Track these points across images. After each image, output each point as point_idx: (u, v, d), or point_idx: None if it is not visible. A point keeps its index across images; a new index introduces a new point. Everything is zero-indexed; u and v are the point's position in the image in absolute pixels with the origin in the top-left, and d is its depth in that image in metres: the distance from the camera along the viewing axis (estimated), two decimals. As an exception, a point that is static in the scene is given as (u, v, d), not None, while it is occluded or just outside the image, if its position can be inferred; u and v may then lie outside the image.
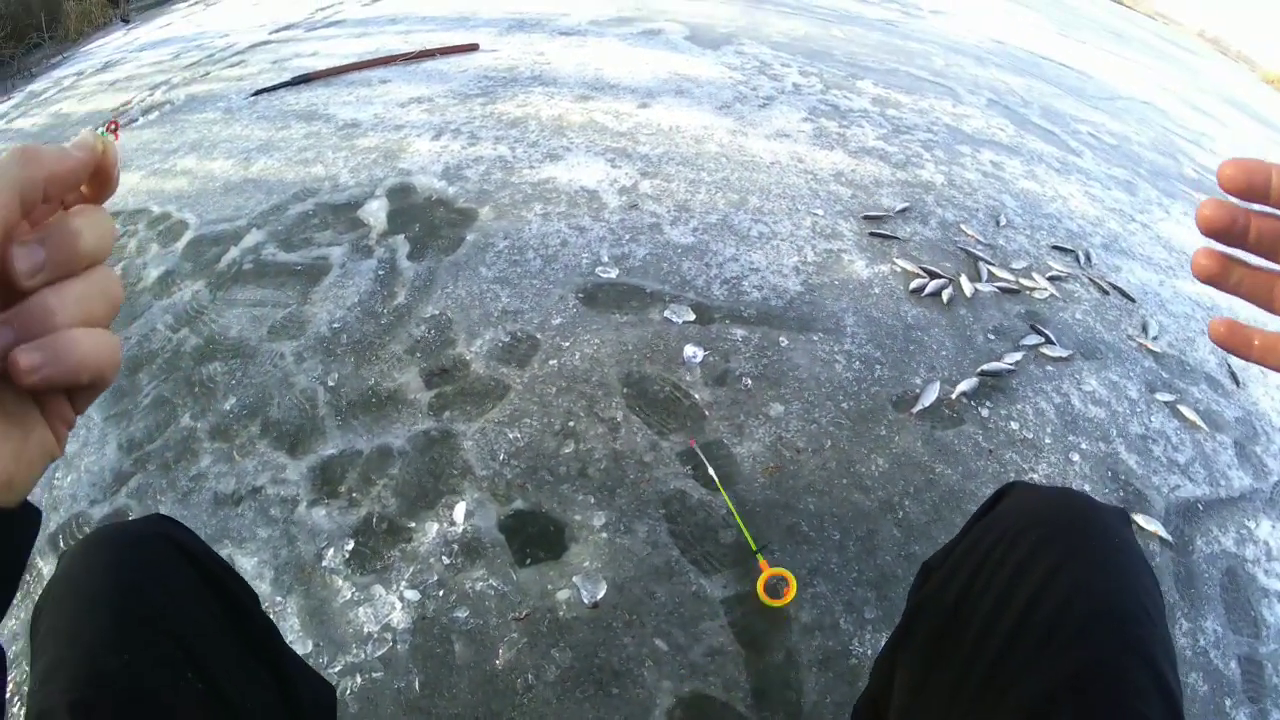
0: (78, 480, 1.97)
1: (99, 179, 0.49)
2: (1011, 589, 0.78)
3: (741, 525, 1.77)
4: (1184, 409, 2.33)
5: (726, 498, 1.82)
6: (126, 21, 6.47)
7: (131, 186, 3.10)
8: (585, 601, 1.64)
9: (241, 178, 3.02)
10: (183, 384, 2.15)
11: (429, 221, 2.65)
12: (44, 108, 4.46)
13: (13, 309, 0.43)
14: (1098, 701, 0.69)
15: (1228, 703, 1.72)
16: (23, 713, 0.94)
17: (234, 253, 2.59)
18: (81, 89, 4.62)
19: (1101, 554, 0.79)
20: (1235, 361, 2.63)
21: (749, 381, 2.12)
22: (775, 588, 1.67)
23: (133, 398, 2.15)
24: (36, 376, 0.42)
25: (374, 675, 1.54)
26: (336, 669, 1.54)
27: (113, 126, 0.51)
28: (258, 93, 3.74)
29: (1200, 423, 2.31)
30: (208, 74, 4.22)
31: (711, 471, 1.85)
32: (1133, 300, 2.75)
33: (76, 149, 0.45)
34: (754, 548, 1.74)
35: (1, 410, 0.44)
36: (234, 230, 2.70)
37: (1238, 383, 2.54)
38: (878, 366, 2.22)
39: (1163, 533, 1.96)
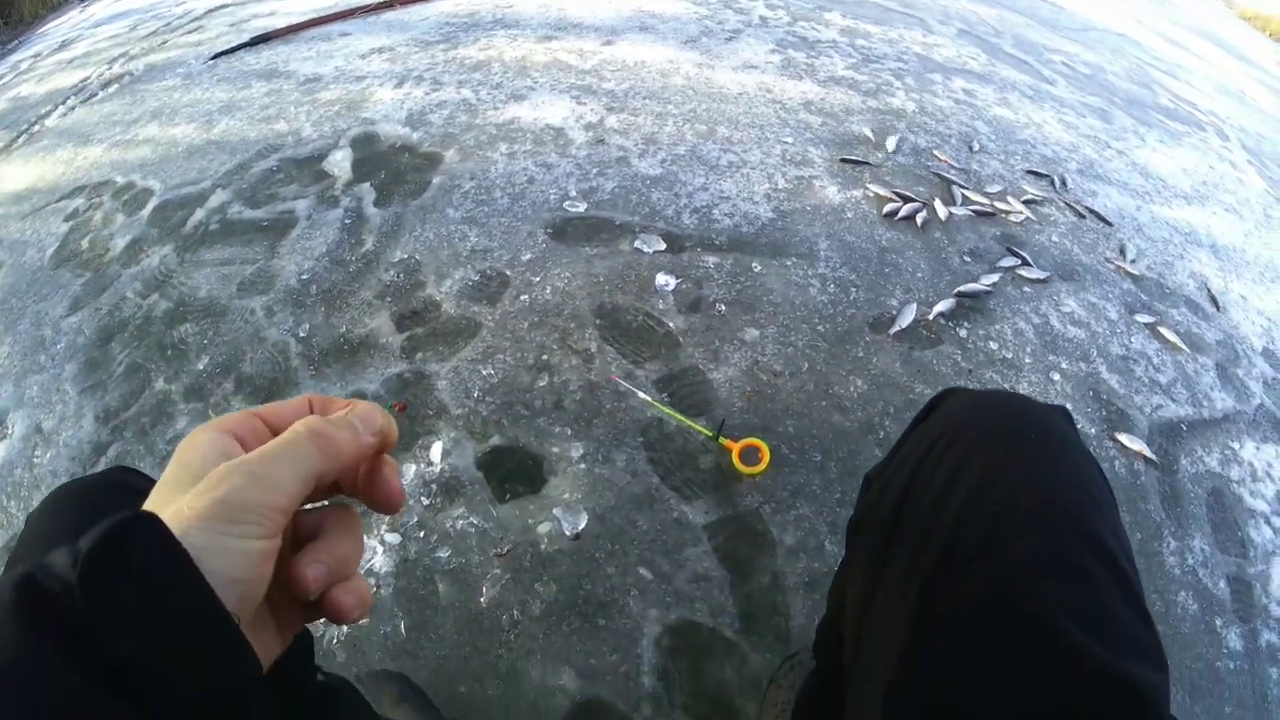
0: (57, 455, 1.94)
1: (379, 452, 0.55)
2: (950, 490, 0.75)
3: (686, 422, 1.77)
4: (1164, 330, 2.32)
5: (658, 405, 1.82)
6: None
7: (94, 160, 3.05)
8: (567, 533, 1.63)
9: (204, 140, 2.97)
10: (155, 349, 2.13)
11: (394, 168, 2.61)
12: (2, 93, 4.37)
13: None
14: (1046, 589, 0.65)
15: (1218, 622, 1.73)
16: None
17: (200, 214, 2.55)
18: (39, 70, 4.52)
19: (1041, 449, 0.76)
20: (1215, 284, 2.62)
21: (722, 307, 2.10)
22: (749, 457, 1.69)
23: (106, 368, 2.12)
24: (355, 616, 0.52)
25: (360, 622, 1.53)
26: (321, 619, 1.52)
27: (400, 408, 0.61)
28: (216, 56, 3.67)
29: (1181, 344, 2.30)
30: (165, 42, 4.14)
31: (641, 394, 1.84)
32: (1110, 224, 2.73)
33: (369, 431, 0.53)
34: (711, 434, 1.74)
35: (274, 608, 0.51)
36: (199, 192, 2.66)
37: (1218, 306, 2.53)
38: (853, 289, 2.20)
39: (1147, 452, 1.96)
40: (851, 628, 0.83)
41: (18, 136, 3.54)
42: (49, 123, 3.57)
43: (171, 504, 0.43)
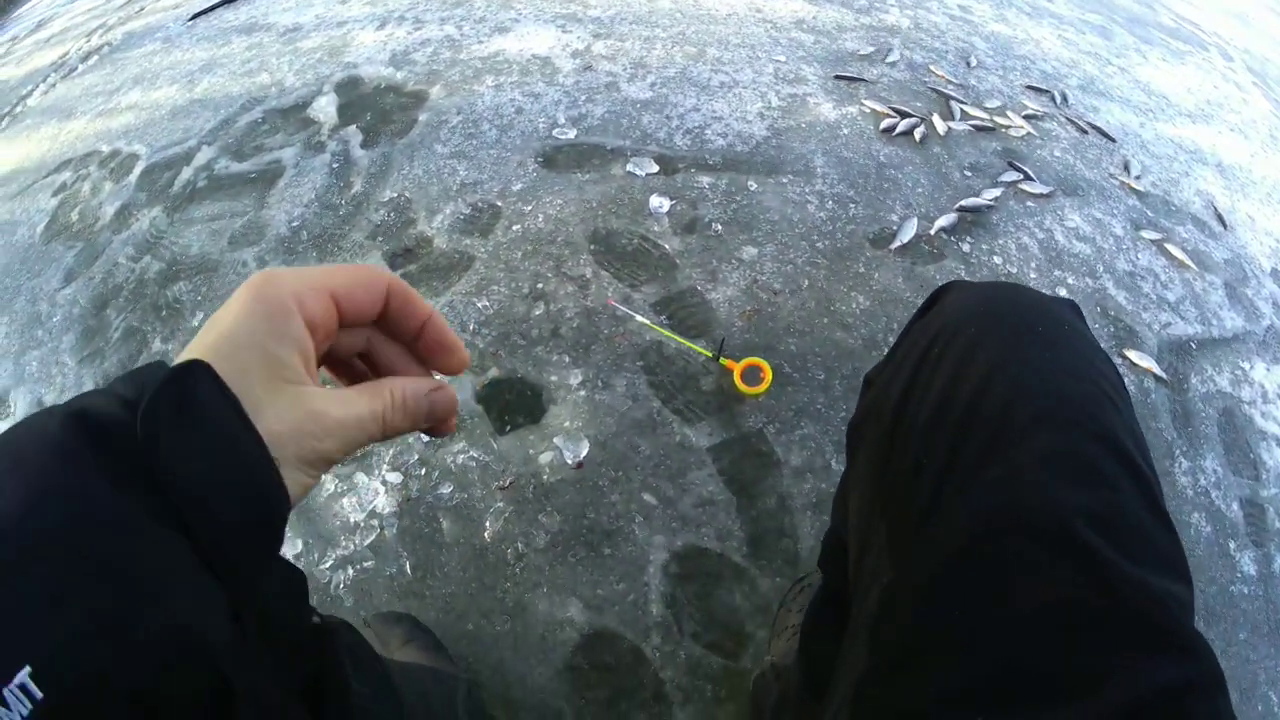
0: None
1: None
2: (952, 389, 0.69)
3: (685, 343, 1.75)
4: (1171, 248, 2.29)
5: (657, 328, 1.79)
6: (60, -24, 6.28)
7: (78, 133, 3.01)
8: (569, 462, 1.61)
9: (187, 100, 2.93)
10: (150, 310, 2.10)
11: (380, 108, 2.57)
12: (-20, 80, 4.34)
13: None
14: (1061, 493, 0.60)
15: (1232, 545, 1.71)
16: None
17: (187, 173, 2.52)
18: (17, 53, 4.46)
19: (1047, 342, 0.70)
20: (1221, 204, 2.58)
21: (719, 227, 2.06)
22: (751, 376, 1.68)
23: (103, 335, 2.10)
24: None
25: (365, 565, 1.52)
26: (328, 564, 1.52)
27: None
28: (195, 16, 3.62)
29: (1189, 261, 2.26)
30: (142, 9, 4.08)
31: (639, 317, 1.81)
32: (1113, 140, 2.68)
33: (430, 420, 0.58)
34: (711, 355, 1.71)
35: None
36: (184, 152, 2.63)
37: (1225, 225, 2.50)
38: (851, 205, 2.16)
39: (1157, 369, 1.94)
40: (856, 539, 0.79)
41: (0, 120, 3.51)
42: (30, 102, 3.53)
43: (260, 360, 0.46)
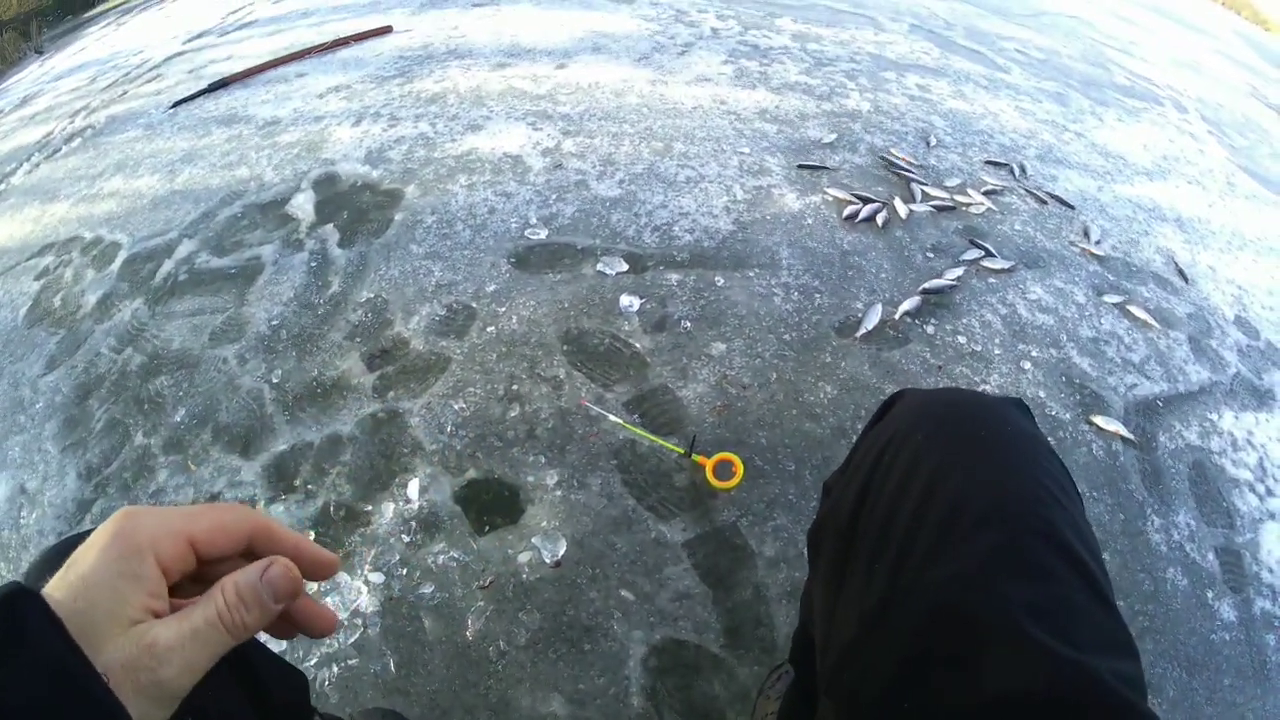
0: (42, 515, 1.94)
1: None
2: (901, 494, 0.75)
3: (657, 441, 1.79)
4: (1134, 308, 2.35)
5: (630, 427, 1.83)
6: (40, 53, 6.34)
7: (61, 216, 3.05)
8: (547, 561, 1.64)
9: (168, 190, 2.97)
10: (132, 403, 2.13)
11: (356, 207, 2.63)
12: (-35, 154, 4.38)
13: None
14: (1003, 588, 0.65)
15: (1209, 595, 1.75)
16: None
17: (168, 265, 2.55)
18: (2, 127, 4.53)
19: (992, 444, 0.76)
20: (1183, 257, 2.66)
21: (688, 324, 2.12)
22: (723, 471, 1.72)
23: (85, 425, 2.12)
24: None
25: (350, 663, 1.54)
26: (312, 661, 1.54)
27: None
28: (176, 104, 3.68)
29: (1151, 321, 2.33)
30: (125, 93, 4.14)
31: (611, 416, 1.86)
32: (1072, 207, 2.77)
33: (278, 600, 0.55)
34: (683, 452, 1.76)
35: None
36: (166, 244, 2.66)
37: (1186, 279, 2.57)
38: (817, 295, 2.22)
39: (1124, 432, 1.98)
40: (819, 637, 0.84)
41: (-17, 196, 3.55)
42: (14, 180, 3.57)
43: (108, 598, 0.47)
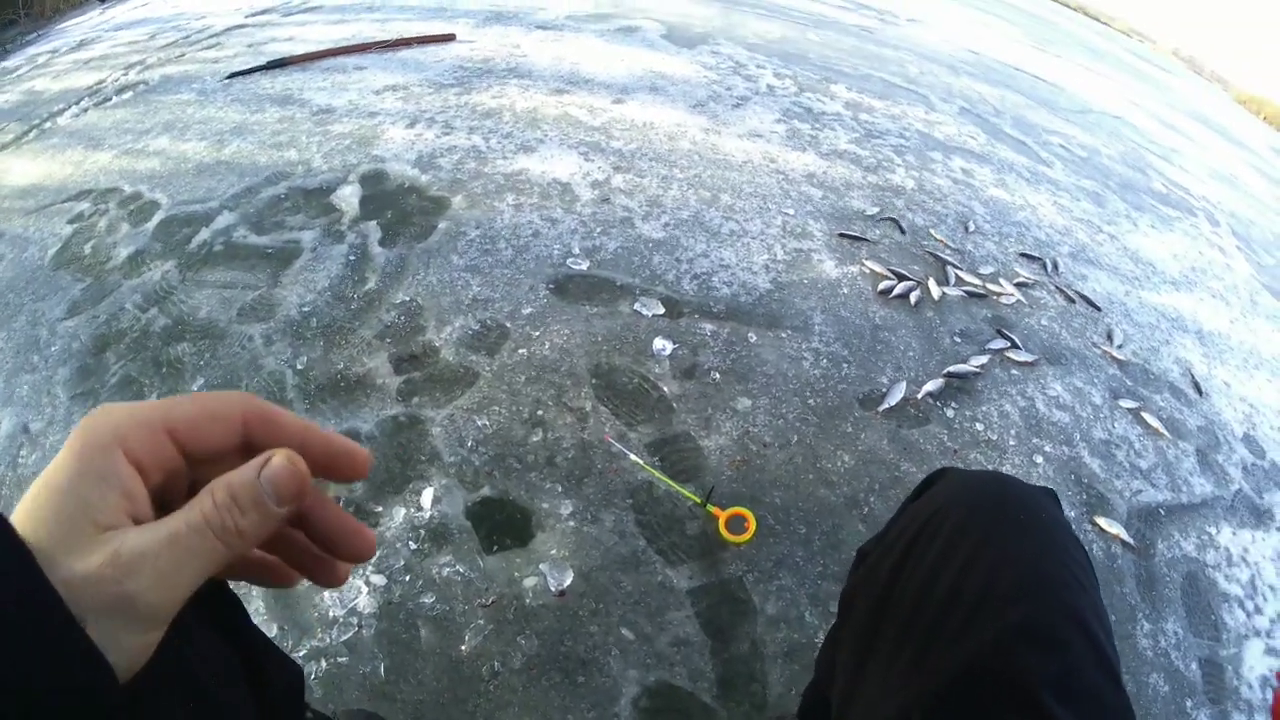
0: (42, 458, 1.93)
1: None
2: (941, 565, 0.79)
3: (675, 487, 1.80)
4: (1147, 416, 2.37)
5: (650, 469, 1.85)
6: (103, 1, 6.39)
7: (103, 165, 3.07)
8: (552, 589, 1.64)
9: (214, 159, 3.00)
10: (150, 364, 2.13)
11: (401, 208, 2.65)
12: (16, 85, 4.39)
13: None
14: (1025, 659, 0.70)
15: (1189, 704, 1.75)
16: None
17: (205, 234, 2.57)
18: (55, 67, 4.55)
19: (1028, 528, 0.81)
20: (1199, 370, 2.68)
21: (717, 375, 2.13)
22: (736, 525, 1.73)
23: (99, 376, 2.12)
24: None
25: (339, 660, 1.53)
26: (302, 653, 1.54)
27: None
28: (232, 76, 3.71)
29: (1163, 430, 2.35)
30: (183, 55, 4.18)
31: (633, 456, 1.87)
32: (1098, 309, 2.79)
33: (280, 501, 0.46)
34: (699, 501, 1.77)
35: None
36: (205, 212, 2.68)
37: (1200, 392, 2.59)
38: (845, 365, 2.24)
39: (1124, 535, 2.00)
40: (840, 694, 0.87)
41: (29, 131, 3.57)
42: (61, 121, 3.59)
43: (71, 504, 0.40)
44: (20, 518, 0.39)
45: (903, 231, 2.86)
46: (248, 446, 0.47)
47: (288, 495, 0.45)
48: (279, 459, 0.45)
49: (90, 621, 0.37)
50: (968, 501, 0.85)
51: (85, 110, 3.66)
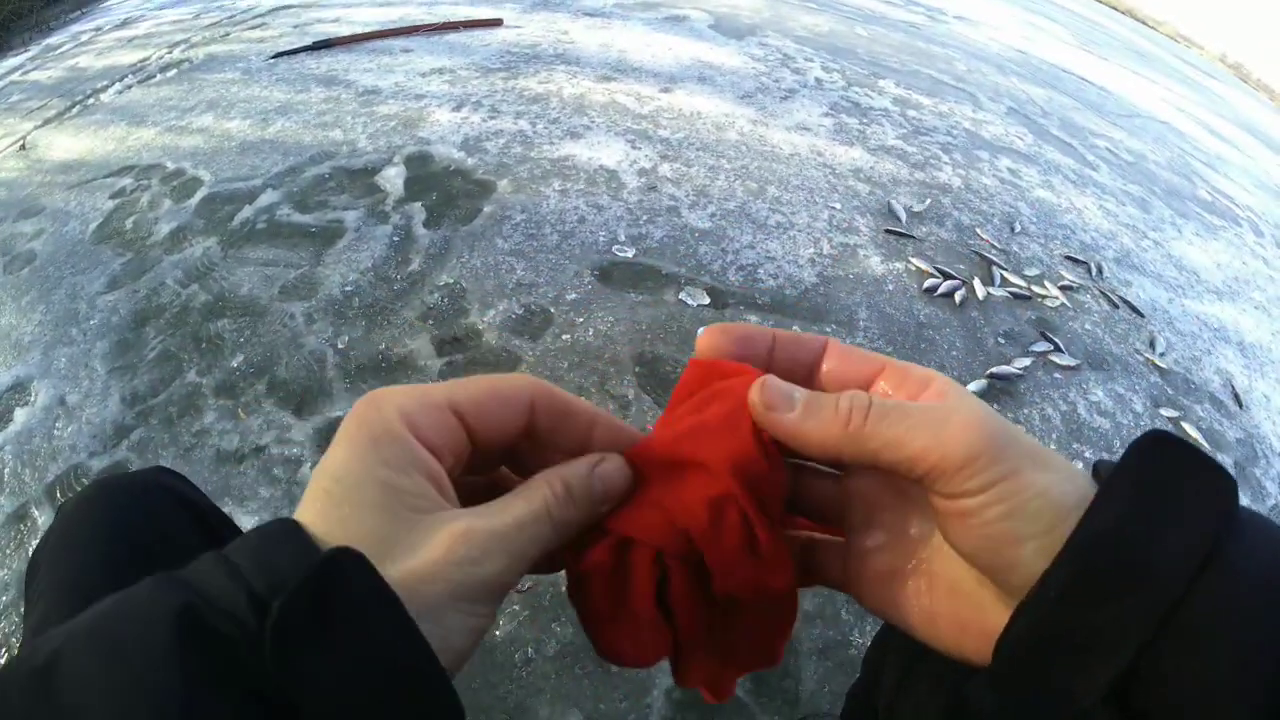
0: (78, 431, 1.94)
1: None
2: None
3: None
4: (1187, 426, 2.33)
5: None
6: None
7: (146, 142, 3.09)
8: (588, 577, 1.63)
9: (258, 138, 3.01)
10: (190, 339, 2.14)
11: (446, 191, 2.64)
12: (60, 61, 4.43)
13: None
14: None
15: None
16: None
17: (248, 211, 2.58)
18: (99, 44, 4.59)
19: None
20: (1240, 383, 2.63)
21: (761, 368, 2.11)
22: None
23: (138, 351, 2.13)
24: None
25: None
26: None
27: None
28: (278, 55, 3.73)
29: (1202, 441, 2.30)
30: (228, 35, 4.20)
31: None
32: (1142, 315, 2.75)
33: (607, 502, 0.45)
34: None
35: None
36: (249, 189, 2.69)
37: (1241, 405, 2.54)
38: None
39: (1162, 547, 1.96)
40: (886, 698, 0.85)
41: (71, 106, 3.59)
42: (104, 98, 3.62)
43: (377, 494, 0.38)
44: (317, 518, 0.38)
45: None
46: (530, 432, 0.46)
47: (613, 496, 0.45)
48: (615, 461, 0.45)
49: (438, 611, 0.36)
50: None
51: (129, 87, 3.69)
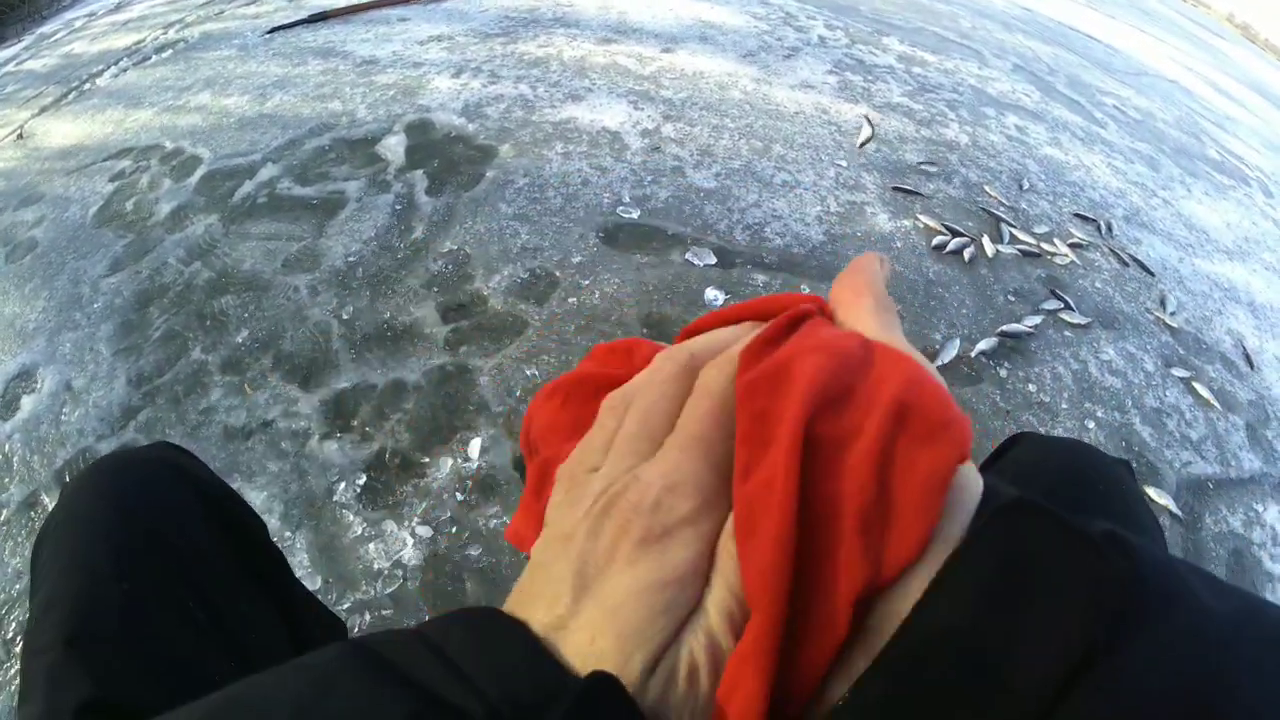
0: (85, 415, 1.93)
1: None
2: None
3: None
4: (1198, 386, 2.31)
5: None
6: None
7: (144, 123, 3.07)
8: (598, 541, 1.62)
9: (257, 113, 2.98)
10: (194, 317, 2.12)
11: (448, 158, 2.62)
12: (54, 49, 4.40)
13: None
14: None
15: None
16: (20, 648, 0.91)
17: (248, 186, 2.56)
18: (93, 30, 4.56)
19: (1107, 498, 0.81)
20: (1250, 344, 2.61)
21: (770, 328, 2.09)
22: None
23: (142, 332, 2.12)
24: None
25: (383, 613, 1.52)
26: (345, 606, 1.52)
27: None
28: (273, 30, 3.70)
29: (1214, 401, 2.29)
30: (222, 12, 4.17)
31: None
32: (1152, 274, 2.72)
33: None
34: None
35: None
36: (248, 165, 2.67)
37: (1252, 365, 2.52)
38: (899, 319, 2.18)
39: (1173, 507, 1.95)
40: None
41: (68, 93, 3.57)
42: (100, 82, 3.59)
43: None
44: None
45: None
46: None
47: None
48: None
49: None
50: (1048, 467, 0.85)
51: (124, 70, 3.66)
